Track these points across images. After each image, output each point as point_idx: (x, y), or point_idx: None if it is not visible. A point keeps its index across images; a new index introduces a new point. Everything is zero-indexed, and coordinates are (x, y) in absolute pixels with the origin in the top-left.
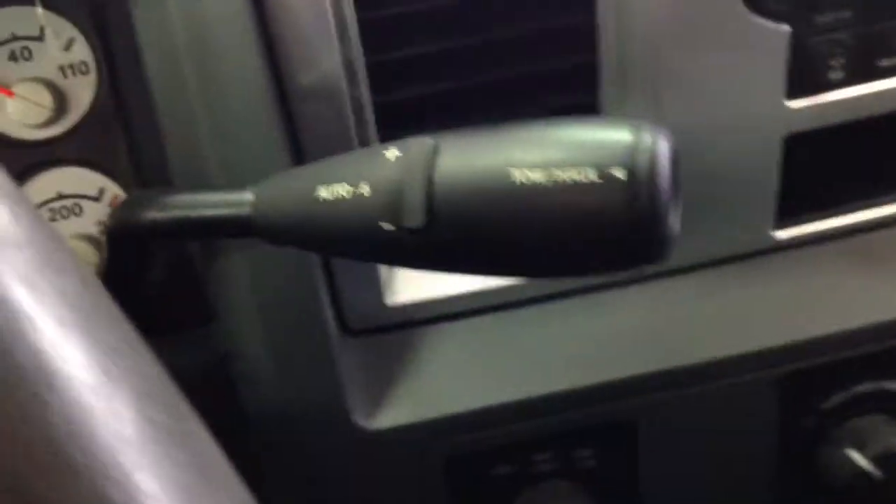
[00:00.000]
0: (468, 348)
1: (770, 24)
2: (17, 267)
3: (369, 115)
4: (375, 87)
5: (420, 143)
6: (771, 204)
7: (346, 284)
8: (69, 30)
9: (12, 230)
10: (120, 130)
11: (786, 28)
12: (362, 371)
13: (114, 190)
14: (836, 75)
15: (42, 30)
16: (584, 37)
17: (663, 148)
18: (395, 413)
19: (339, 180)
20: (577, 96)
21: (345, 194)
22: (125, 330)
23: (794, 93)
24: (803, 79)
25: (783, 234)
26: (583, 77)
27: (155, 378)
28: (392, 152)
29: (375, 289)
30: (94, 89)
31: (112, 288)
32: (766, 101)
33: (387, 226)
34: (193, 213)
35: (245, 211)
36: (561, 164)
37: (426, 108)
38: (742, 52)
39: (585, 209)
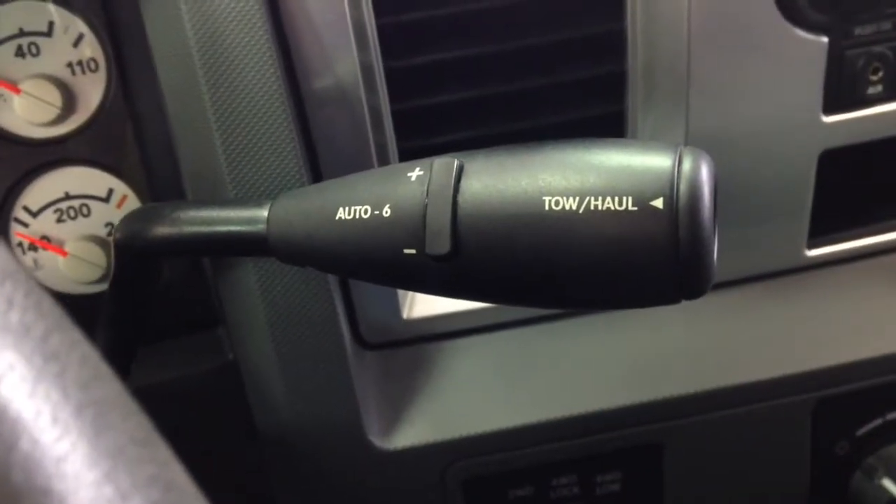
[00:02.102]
0: (488, 365)
1: (808, 36)
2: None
3: (388, 123)
4: (394, 94)
5: (445, 164)
6: (805, 221)
7: (362, 297)
8: (79, 25)
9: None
10: (130, 130)
11: (824, 40)
12: (378, 387)
13: (122, 191)
14: (874, 90)
15: (51, 25)
16: (612, 46)
17: (704, 175)
18: (413, 433)
19: (359, 201)
20: (602, 106)
21: (365, 216)
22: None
23: (830, 107)
24: (841, 93)
25: (816, 252)
26: (609, 87)
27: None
28: (416, 172)
29: (393, 302)
30: (103, 87)
31: (118, 295)
32: (802, 115)
33: (409, 251)
34: (205, 230)
35: (260, 229)
36: (597, 192)
37: (446, 116)
38: (778, 65)
39: (622, 241)
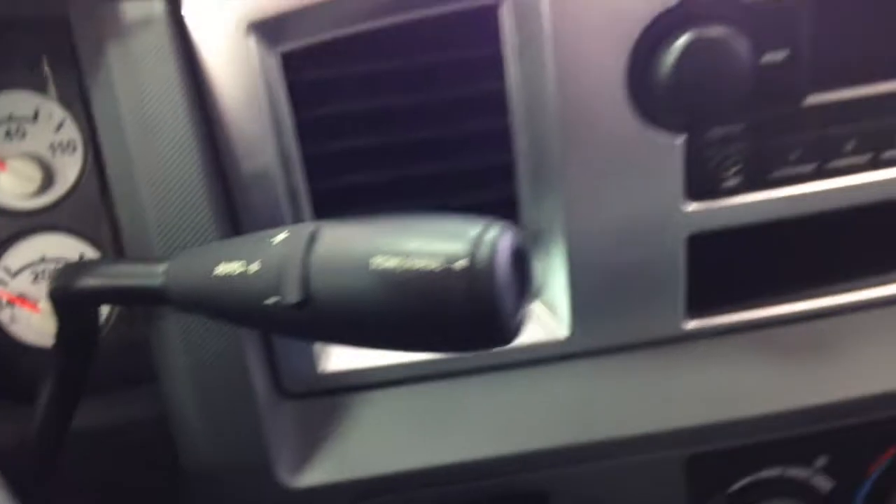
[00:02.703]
0: (396, 414)
1: (665, 136)
2: None
3: (305, 201)
4: (311, 176)
5: (302, 229)
6: (680, 296)
7: (282, 350)
8: (61, 113)
9: None
10: (101, 203)
11: (680, 140)
12: (294, 432)
13: (92, 255)
14: (731, 182)
15: (37, 112)
16: (503, 140)
17: (505, 243)
18: (321, 472)
19: (235, 258)
20: (498, 192)
21: (237, 271)
22: None
23: (692, 197)
24: (701, 185)
25: (693, 325)
26: (503, 175)
27: None
28: (282, 235)
29: (309, 355)
30: (80, 166)
31: (59, 346)
32: (666, 204)
33: (270, 300)
34: (114, 282)
35: (158, 282)
36: (413, 254)
37: (357, 196)
38: (642, 161)
39: (432, 295)
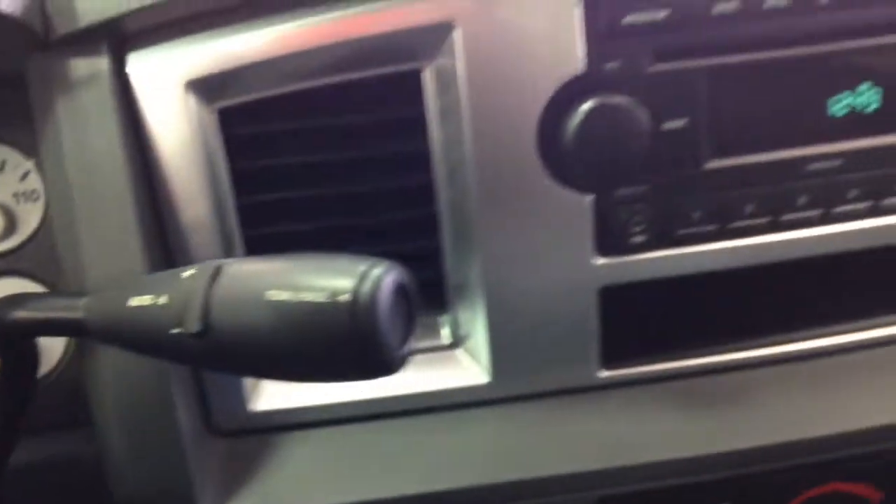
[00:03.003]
0: (322, 454)
1: (575, 195)
2: None
3: (239, 248)
4: (245, 224)
5: (209, 265)
6: (594, 346)
7: (213, 389)
8: (26, 163)
9: None
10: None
11: (589, 199)
12: (221, 469)
13: None
14: (638, 240)
15: (3, 163)
16: (427, 196)
17: (389, 280)
18: None
19: (147, 291)
20: (423, 244)
21: (147, 303)
22: None
23: (602, 252)
24: (610, 241)
25: (606, 374)
26: (428, 228)
27: None
28: (189, 271)
29: (239, 394)
30: (41, 213)
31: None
32: (577, 259)
33: (175, 330)
34: (39, 314)
35: (79, 314)
36: (303, 288)
37: (288, 242)
38: (555, 217)
39: (318, 326)
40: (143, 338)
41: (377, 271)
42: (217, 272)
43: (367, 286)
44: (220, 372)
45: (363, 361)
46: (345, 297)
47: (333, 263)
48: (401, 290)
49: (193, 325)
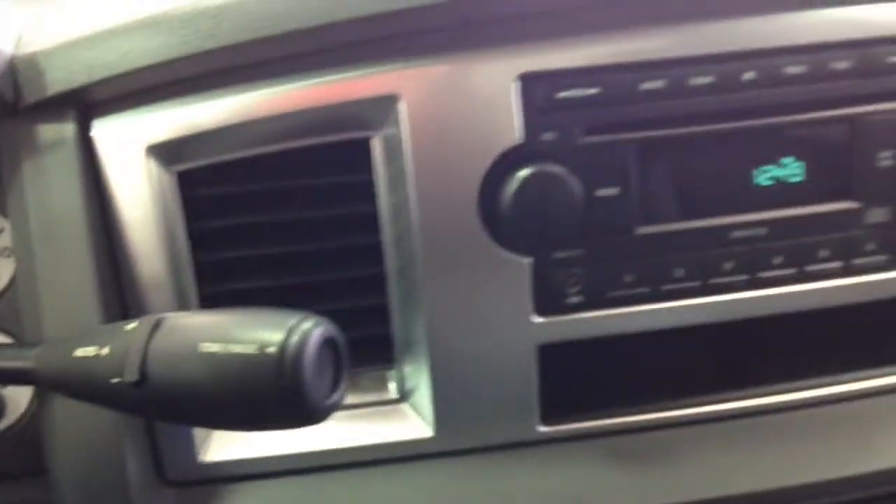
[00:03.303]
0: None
1: (514, 257)
2: None
3: (194, 304)
4: (201, 281)
5: (150, 318)
6: (534, 402)
7: (164, 439)
8: (1, 221)
9: None
10: None
11: (528, 261)
12: None
13: None
14: (574, 300)
15: None
16: (375, 256)
17: (317, 334)
18: None
19: (92, 343)
20: (372, 302)
21: (92, 353)
22: None
23: (540, 311)
24: (548, 301)
25: (546, 430)
26: (377, 287)
27: None
28: (132, 324)
29: (190, 445)
30: (13, 269)
31: None
32: (516, 317)
33: (115, 380)
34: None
35: (30, 363)
36: (234, 340)
37: (246, 300)
38: (492, 279)
39: (247, 377)
40: (86, 387)
41: (305, 325)
42: (157, 325)
43: (294, 339)
44: (159, 420)
45: (290, 411)
46: (272, 350)
47: (265, 317)
48: (329, 344)
49: (131, 375)
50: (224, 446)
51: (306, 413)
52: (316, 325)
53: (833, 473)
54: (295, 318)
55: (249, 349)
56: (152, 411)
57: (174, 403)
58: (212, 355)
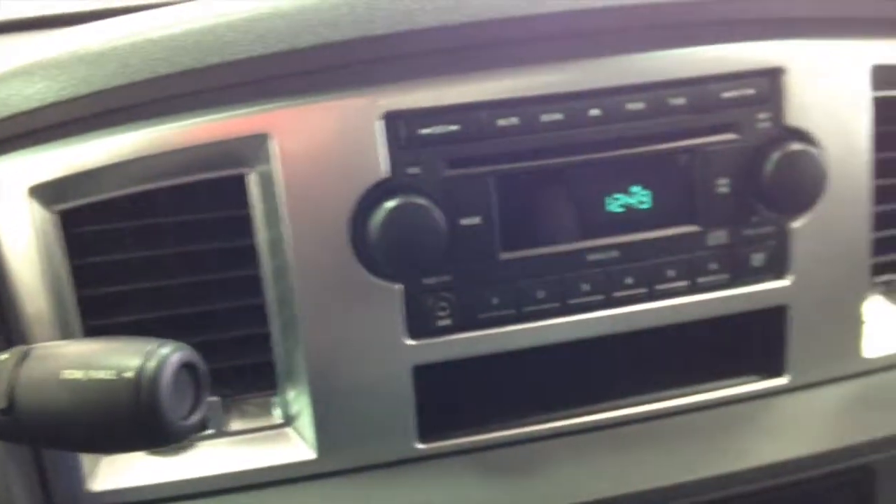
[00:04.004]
0: None
1: (386, 284)
2: None
3: (79, 335)
4: (85, 315)
5: (20, 349)
6: (411, 421)
7: (52, 468)
8: None
9: None
10: None
11: (399, 287)
12: None
13: None
14: (444, 323)
15: None
16: (255, 287)
17: (174, 359)
18: None
19: None
20: (254, 330)
21: None
22: None
23: (413, 334)
24: (419, 324)
25: (424, 447)
26: (258, 316)
27: None
28: (4, 355)
29: (77, 473)
30: None
31: None
32: (390, 341)
33: None
34: None
35: None
36: (95, 366)
37: (129, 334)
38: (366, 305)
39: (106, 401)
40: None
41: (163, 351)
42: (25, 354)
43: (151, 364)
44: (30, 445)
45: (148, 432)
46: (129, 374)
47: (125, 345)
48: (188, 368)
49: (1, 402)
50: (112, 474)
51: (165, 434)
52: (174, 351)
53: (690, 476)
54: (154, 344)
55: (109, 374)
56: (23, 437)
57: (41, 429)
58: (75, 381)
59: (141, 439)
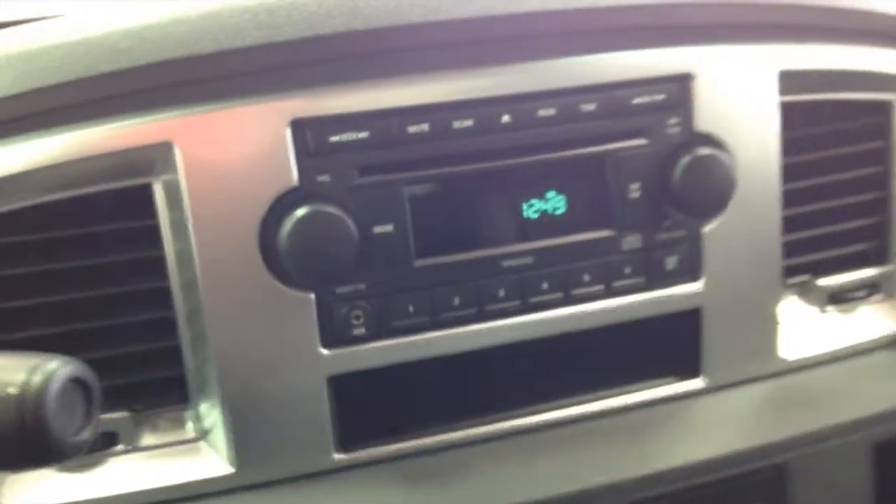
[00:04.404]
0: None
1: (298, 293)
2: None
3: None
4: None
5: None
6: (328, 432)
7: None
8: None
9: None
10: None
11: (311, 296)
12: None
13: None
14: (359, 332)
15: None
16: (166, 299)
17: (60, 375)
18: None
19: None
20: (164, 343)
21: None
22: None
23: (327, 344)
24: (333, 334)
25: (342, 458)
26: (168, 329)
27: None
28: None
29: None
30: None
31: None
32: (305, 351)
33: None
34: None
35: None
36: None
37: (39, 348)
38: (279, 315)
39: None
40: None
41: (50, 366)
42: None
43: (36, 379)
44: None
45: (35, 449)
46: (13, 390)
47: (10, 360)
48: (77, 384)
49: None
50: (19, 492)
51: (52, 451)
52: (62, 366)
53: (607, 479)
54: (40, 359)
55: None
56: None
57: None
58: None
59: (28, 457)
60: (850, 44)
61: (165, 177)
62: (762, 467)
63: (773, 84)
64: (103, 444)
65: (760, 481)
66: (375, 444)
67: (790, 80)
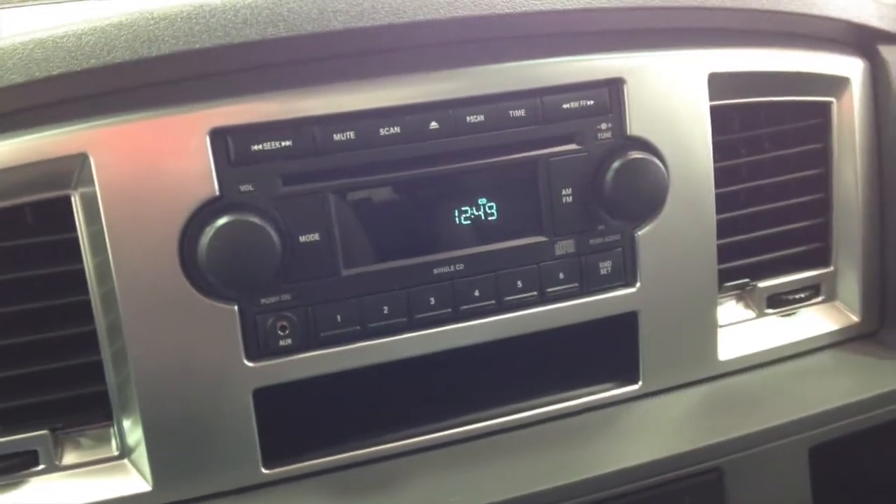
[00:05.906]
0: None
1: (220, 304)
2: None
3: None
4: None
5: None
6: (254, 446)
7: None
8: None
9: None
10: None
11: (234, 308)
12: None
13: None
14: (285, 343)
15: None
16: (87, 314)
17: None
18: None
19: None
20: (85, 358)
21: None
22: None
23: (252, 356)
24: (258, 346)
25: (270, 472)
26: (90, 344)
27: None
28: None
29: None
30: None
31: None
32: (229, 364)
33: None
34: None
35: None
36: None
37: None
38: (201, 328)
39: None
40: None
41: None
42: None
43: None
44: None
45: None
46: None
47: None
48: None
49: None
50: None
51: None
52: None
53: (546, 485)
54: None
55: None
56: None
57: None
58: None
59: None
60: (781, 47)
61: (83, 189)
62: (700, 470)
63: (703, 88)
64: (23, 465)
65: (698, 484)
66: (304, 458)
67: (721, 84)
